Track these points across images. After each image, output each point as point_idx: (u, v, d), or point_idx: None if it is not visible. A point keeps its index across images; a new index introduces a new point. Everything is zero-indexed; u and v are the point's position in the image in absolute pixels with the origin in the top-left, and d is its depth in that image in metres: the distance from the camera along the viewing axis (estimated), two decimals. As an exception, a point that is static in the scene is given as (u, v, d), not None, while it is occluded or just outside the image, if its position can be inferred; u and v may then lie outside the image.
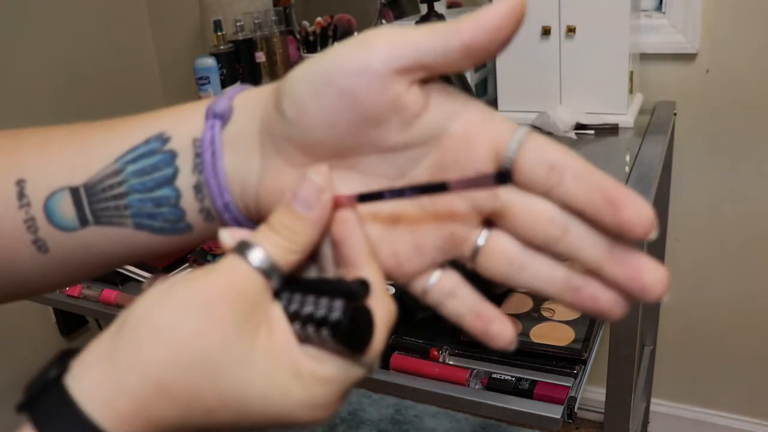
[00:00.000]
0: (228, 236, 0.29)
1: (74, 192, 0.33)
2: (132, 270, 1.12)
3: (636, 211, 0.26)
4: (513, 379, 0.79)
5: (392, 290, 0.99)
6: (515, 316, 0.90)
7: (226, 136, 0.32)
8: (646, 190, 0.83)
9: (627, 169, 0.93)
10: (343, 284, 0.28)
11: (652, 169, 0.91)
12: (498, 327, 0.33)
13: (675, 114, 1.22)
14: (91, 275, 0.36)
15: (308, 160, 0.30)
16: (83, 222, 0.33)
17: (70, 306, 1.11)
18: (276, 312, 0.28)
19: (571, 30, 1.08)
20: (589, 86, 1.10)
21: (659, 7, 1.25)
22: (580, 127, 1.09)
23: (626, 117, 1.10)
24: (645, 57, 1.27)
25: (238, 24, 1.36)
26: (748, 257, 1.36)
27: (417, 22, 1.05)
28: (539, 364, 0.82)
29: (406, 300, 0.92)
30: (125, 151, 0.32)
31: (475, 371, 0.81)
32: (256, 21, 1.39)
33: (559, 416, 0.75)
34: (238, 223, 0.33)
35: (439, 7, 1.07)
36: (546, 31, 1.10)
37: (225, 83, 1.33)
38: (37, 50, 1.57)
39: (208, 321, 0.26)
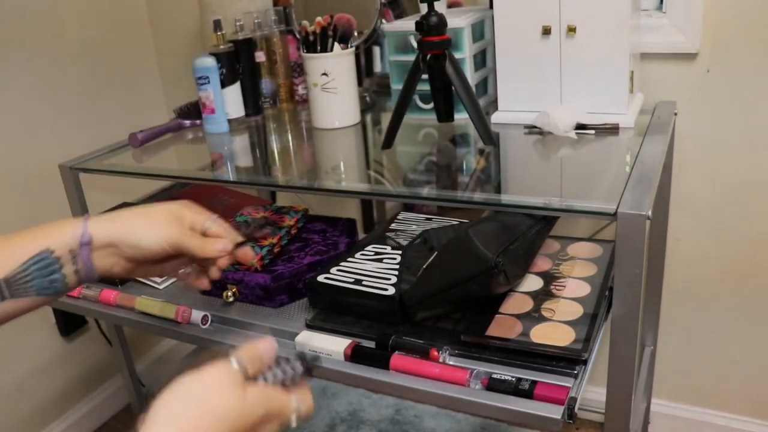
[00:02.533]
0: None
1: None
2: (131, 270, 1.12)
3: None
4: (513, 379, 0.78)
5: (392, 291, 0.99)
6: (516, 317, 0.90)
7: (100, 253, 0.68)
8: (646, 190, 0.83)
9: (627, 169, 0.93)
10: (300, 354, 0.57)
11: (652, 169, 0.91)
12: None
13: (675, 114, 1.21)
14: (5, 321, 0.65)
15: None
16: (3, 298, 0.63)
17: (70, 306, 1.11)
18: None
19: (571, 30, 1.08)
20: (589, 86, 1.10)
21: (660, 6, 1.25)
22: (580, 126, 1.09)
23: (627, 117, 1.09)
24: (645, 57, 1.26)
25: (237, 24, 1.36)
26: (749, 257, 1.36)
27: (417, 22, 1.04)
28: (539, 364, 0.82)
29: (407, 301, 0.92)
30: (28, 257, 0.63)
31: (475, 371, 0.81)
32: (256, 20, 1.39)
33: (559, 417, 0.74)
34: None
35: (439, 7, 1.07)
36: (546, 31, 1.10)
37: (225, 83, 1.33)
38: (35, 49, 1.57)
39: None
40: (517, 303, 0.94)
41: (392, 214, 1.28)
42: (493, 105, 1.24)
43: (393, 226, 1.18)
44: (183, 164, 1.24)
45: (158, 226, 0.68)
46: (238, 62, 1.35)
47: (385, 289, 0.93)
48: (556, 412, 0.75)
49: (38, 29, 1.57)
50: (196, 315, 0.98)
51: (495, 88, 1.21)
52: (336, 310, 0.98)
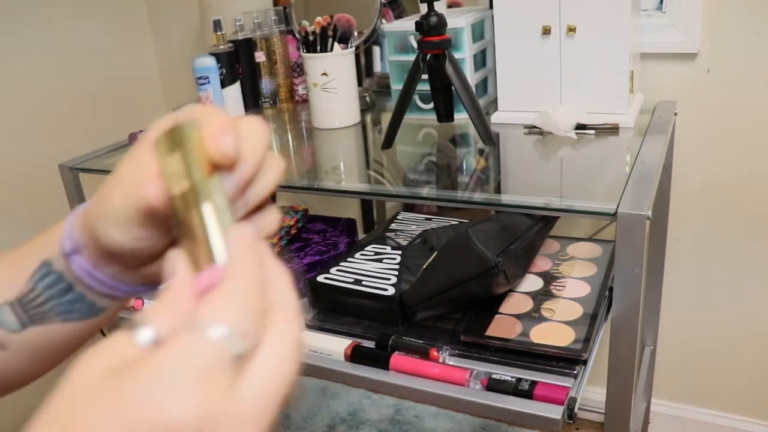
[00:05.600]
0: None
1: (12, 305, 0.45)
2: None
3: None
4: (513, 379, 0.78)
5: (392, 291, 0.99)
6: (515, 317, 0.90)
7: (94, 261, 0.42)
8: (646, 190, 0.83)
9: (627, 169, 0.93)
10: None
11: (652, 169, 0.91)
12: None
13: (675, 114, 1.21)
14: (52, 363, 0.47)
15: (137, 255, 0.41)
16: (24, 324, 0.45)
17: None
18: None
19: (571, 29, 1.08)
20: (589, 86, 1.10)
21: (660, 6, 1.25)
22: (580, 126, 1.09)
23: (627, 117, 1.09)
24: (645, 56, 1.26)
25: (237, 23, 1.36)
26: (749, 257, 1.36)
27: (417, 22, 1.04)
28: (539, 364, 0.82)
29: (407, 301, 0.92)
30: (30, 274, 0.44)
31: (475, 372, 0.81)
32: (255, 20, 1.39)
33: (559, 417, 0.74)
34: (149, 291, 0.45)
35: (439, 7, 1.07)
36: (546, 31, 1.10)
37: (225, 83, 1.33)
38: (36, 49, 1.57)
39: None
40: (516, 303, 0.94)
41: (392, 214, 1.28)
42: (493, 105, 1.24)
43: (393, 226, 1.18)
44: (183, 164, 1.24)
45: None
46: (237, 62, 1.35)
47: (385, 289, 0.93)
48: (555, 412, 0.75)
49: (38, 30, 1.57)
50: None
51: (495, 88, 1.21)
52: (336, 310, 0.98)
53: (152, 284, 0.44)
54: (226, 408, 0.26)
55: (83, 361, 0.28)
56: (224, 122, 0.34)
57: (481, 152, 1.09)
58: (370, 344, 0.88)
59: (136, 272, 0.43)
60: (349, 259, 1.04)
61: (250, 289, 0.29)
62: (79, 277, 0.43)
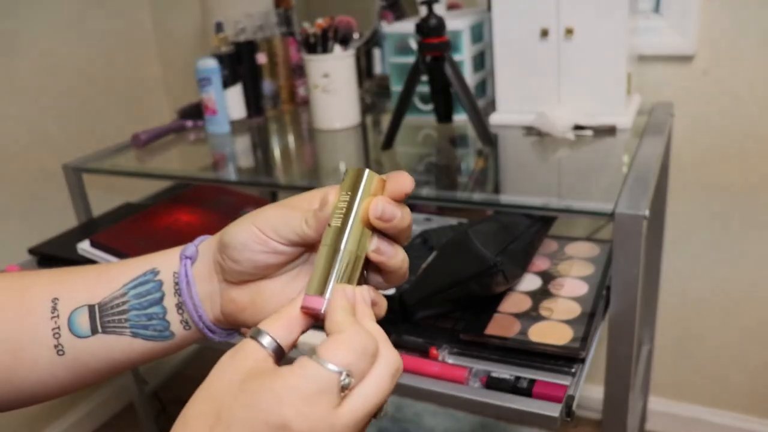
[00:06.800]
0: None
1: (91, 308, 0.46)
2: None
3: None
4: (512, 377, 0.79)
5: (392, 290, 0.99)
6: (514, 316, 0.91)
7: (197, 271, 0.47)
8: (643, 192, 0.84)
9: (625, 170, 0.94)
10: None
11: (649, 170, 0.92)
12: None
13: (672, 115, 1.22)
14: (93, 380, 0.48)
15: (238, 281, 0.46)
16: (93, 331, 0.46)
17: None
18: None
19: (569, 31, 1.09)
20: (587, 87, 1.11)
21: (656, 8, 1.26)
22: (578, 127, 1.10)
23: (624, 118, 1.11)
24: (643, 58, 1.27)
25: (239, 26, 1.37)
26: (747, 257, 1.37)
27: (417, 24, 1.05)
28: (538, 362, 0.83)
29: (407, 300, 0.93)
30: (130, 279, 0.47)
31: (474, 370, 0.82)
32: (257, 23, 1.40)
33: (557, 415, 0.75)
34: (210, 331, 0.48)
35: (439, 9, 1.08)
36: (544, 33, 1.11)
37: (226, 85, 1.34)
38: (39, 51, 1.58)
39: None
40: (515, 302, 0.95)
41: (392, 214, 1.28)
42: (492, 106, 1.25)
43: (393, 226, 1.19)
44: (185, 164, 1.25)
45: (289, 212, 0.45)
46: (239, 64, 1.36)
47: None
48: (554, 410, 0.76)
49: (41, 31, 1.58)
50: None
51: (494, 90, 1.22)
52: (337, 309, 0.98)
53: (222, 324, 0.49)
54: (329, 422, 0.36)
55: (226, 360, 0.38)
56: (403, 190, 0.42)
57: (480, 153, 1.10)
58: (370, 343, 0.89)
59: (227, 293, 0.47)
60: (350, 259, 1.05)
61: (360, 343, 0.38)
62: (177, 286, 0.47)
